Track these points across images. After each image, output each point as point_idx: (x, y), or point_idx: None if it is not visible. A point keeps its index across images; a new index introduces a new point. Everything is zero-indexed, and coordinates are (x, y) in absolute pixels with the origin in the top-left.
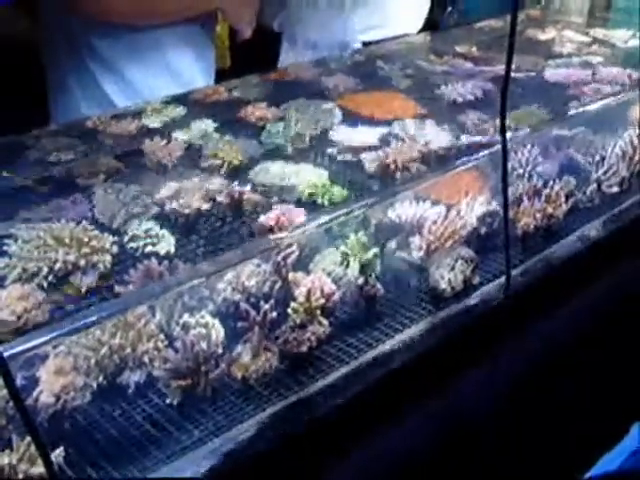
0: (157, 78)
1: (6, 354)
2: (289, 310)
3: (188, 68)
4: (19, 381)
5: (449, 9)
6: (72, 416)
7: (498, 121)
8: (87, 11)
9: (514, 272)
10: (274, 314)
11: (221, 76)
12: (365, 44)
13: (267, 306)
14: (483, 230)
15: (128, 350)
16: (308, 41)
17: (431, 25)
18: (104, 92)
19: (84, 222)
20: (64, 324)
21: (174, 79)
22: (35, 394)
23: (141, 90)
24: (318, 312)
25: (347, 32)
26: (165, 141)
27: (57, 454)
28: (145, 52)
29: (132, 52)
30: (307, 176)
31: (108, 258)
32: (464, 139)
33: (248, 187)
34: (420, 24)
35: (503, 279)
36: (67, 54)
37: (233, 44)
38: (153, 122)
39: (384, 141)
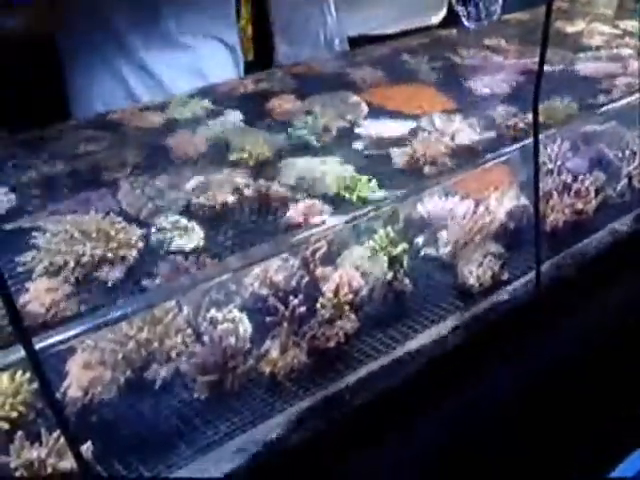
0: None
1: (36, 347)
2: (317, 305)
3: (213, 59)
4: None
5: None
6: (99, 410)
7: (527, 115)
8: None
9: (544, 268)
10: (302, 309)
11: (246, 69)
12: (354, 39)
13: (296, 301)
14: (512, 225)
15: (156, 345)
16: (292, 36)
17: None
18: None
19: (111, 215)
20: (92, 318)
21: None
22: (63, 388)
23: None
24: (346, 307)
25: (330, 28)
26: (191, 134)
27: (85, 448)
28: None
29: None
30: (335, 170)
31: (135, 251)
32: (493, 133)
33: (275, 181)
34: (437, 18)
35: (533, 275)
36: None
37: (256, 37)
38: (179, 115)
39: (412, 135)
